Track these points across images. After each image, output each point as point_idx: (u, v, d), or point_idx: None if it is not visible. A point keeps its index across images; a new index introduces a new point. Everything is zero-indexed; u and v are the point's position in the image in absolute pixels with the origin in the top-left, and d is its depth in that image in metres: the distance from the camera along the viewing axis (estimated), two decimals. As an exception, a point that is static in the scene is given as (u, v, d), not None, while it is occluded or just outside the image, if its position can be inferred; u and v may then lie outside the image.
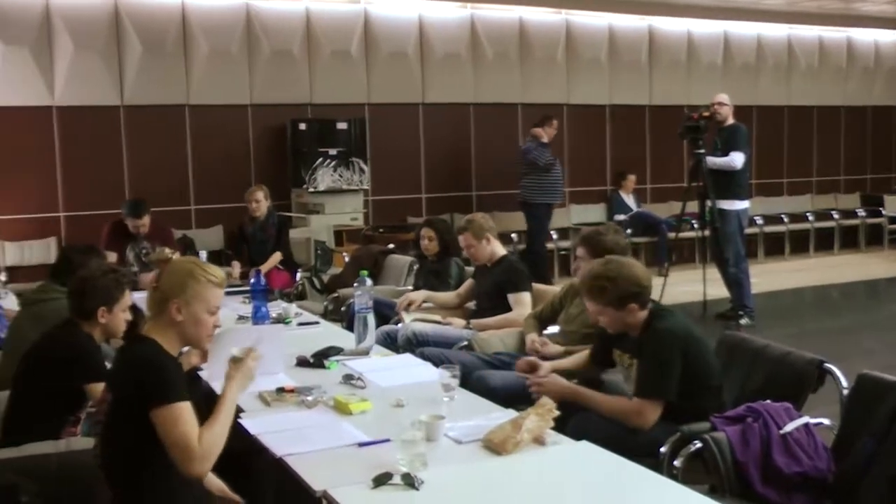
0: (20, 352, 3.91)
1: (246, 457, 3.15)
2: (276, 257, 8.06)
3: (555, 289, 5.49)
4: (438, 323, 5.69)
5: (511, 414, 3.22)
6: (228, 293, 6.44)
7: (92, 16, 9.81)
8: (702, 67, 13.39)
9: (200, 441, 2.69)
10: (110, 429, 2.84)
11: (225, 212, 10.32)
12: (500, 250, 5.85)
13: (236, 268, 7.87)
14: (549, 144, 10.73)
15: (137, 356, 2.86)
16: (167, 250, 3.09)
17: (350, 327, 5.42)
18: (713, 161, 8.88)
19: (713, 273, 9.24)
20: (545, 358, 4.38)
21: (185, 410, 2.72)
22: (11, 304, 6.25)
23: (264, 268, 7.47)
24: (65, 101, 9.75)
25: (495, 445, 2.91)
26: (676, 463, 3.29)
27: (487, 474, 2.78)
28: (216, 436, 2.75)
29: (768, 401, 3.32)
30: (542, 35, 12.18)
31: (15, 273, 9.43)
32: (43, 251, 9.69)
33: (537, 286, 5.82)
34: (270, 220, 8.18)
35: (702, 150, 8.92)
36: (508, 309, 5.57)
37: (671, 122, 10.71)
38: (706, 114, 9.01)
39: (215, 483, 3.13)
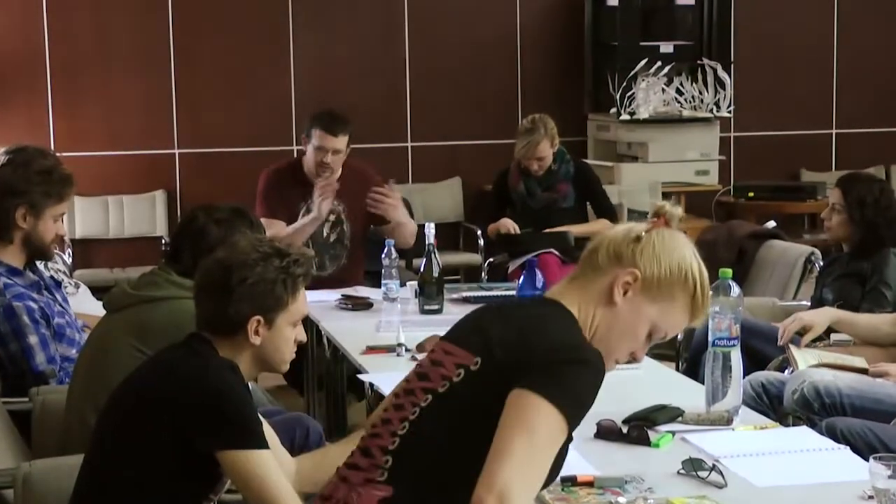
0: (106, 388, 4.06)
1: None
2: (602, 225, 8.06)
3: None
4: (862, 372, 5.57)
5: None
6: (476, 299, 6.57)
7: None
8: None
9: None
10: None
11: (463, 152, 10.49)
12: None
13: (507, 223, 8.09)
14: None
15: None
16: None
17: (693, 371, 5.37)
18: None
19: None
20: None
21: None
22: (89, 304, 6.43)
23: (580, 231, 7.81)
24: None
25: None
26: None
27: None
28: None
29: None
30: None
31: (93, 251, 9.93)
32: (143, 215, 10.20)
33: None
34: (562, 168, 8.21)
35: None
36: None
37: None
38: None
39: None
